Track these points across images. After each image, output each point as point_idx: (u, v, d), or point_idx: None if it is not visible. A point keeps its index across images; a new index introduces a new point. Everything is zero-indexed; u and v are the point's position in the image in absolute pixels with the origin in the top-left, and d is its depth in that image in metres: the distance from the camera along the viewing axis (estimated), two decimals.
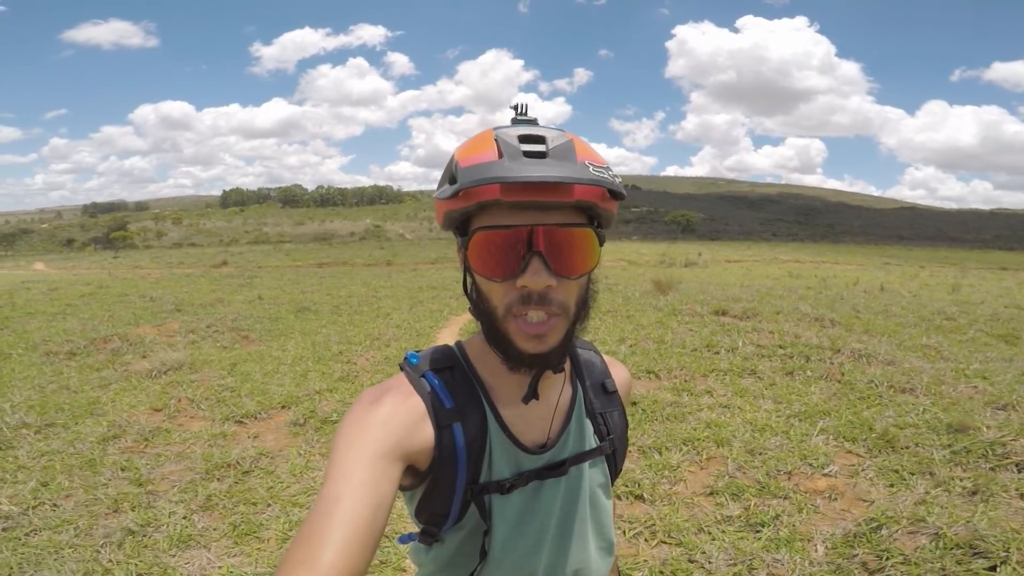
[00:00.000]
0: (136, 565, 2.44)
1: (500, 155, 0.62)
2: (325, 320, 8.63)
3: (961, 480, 2.87)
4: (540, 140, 0.63)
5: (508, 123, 0.69)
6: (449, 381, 0.74)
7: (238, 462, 3.43)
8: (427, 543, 0.78)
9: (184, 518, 2.82)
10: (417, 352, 0.78)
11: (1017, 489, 2.73)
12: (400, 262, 24.71)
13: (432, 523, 0.75)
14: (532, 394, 0.72)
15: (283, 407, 4.44)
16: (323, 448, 3.69)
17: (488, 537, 0.73)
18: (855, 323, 7.14)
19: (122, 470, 3.34)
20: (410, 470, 0.71)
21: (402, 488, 0.75)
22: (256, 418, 4.22)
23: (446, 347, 0.79)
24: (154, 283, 14.93)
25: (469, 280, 0.71)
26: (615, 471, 0.86)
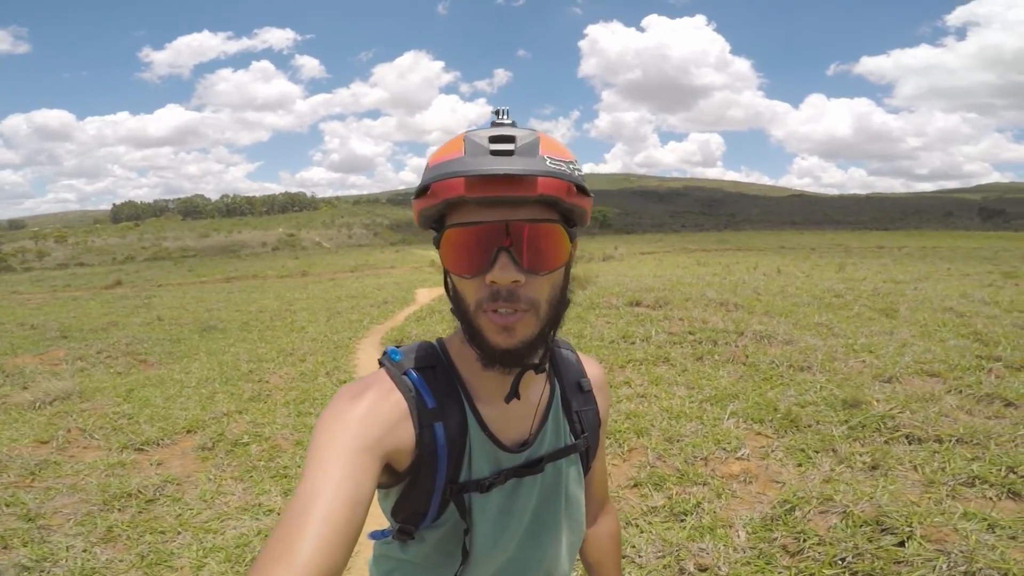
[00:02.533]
0: None
1: (464, 153, 0.63)
2: (233, 338, 8.19)
3: (861, 456, 3.06)
4: (510, 139, 0.64)
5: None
6: (431, 380, 0.74)
7: (140, 491, 3.22)
8: (403, 540, 0.77)
9: (84, 551, 2.65)
10: (398, 348, 0.77)
11: (911, 461, 2.94)
12: (316, 272, 23.81)
13: (409, 521, 0.75)
14: (514, 393, 0.72)
15: (188, 432, 4.18)
16: (235, 472, 3.50)
17: (469, 536, 0.74)
18: (756, 305, 7.56)
19: (7, 506, 3.07)
20: (387, 469, 0.71)
21: (378, 486, 0.73)
22: (158, 444, 3.95)
23: (428, 344, 0.79)
24: (35, 309, 13.52)
25: (449, 281, 0.72)
26: (587, 467, 0.88)
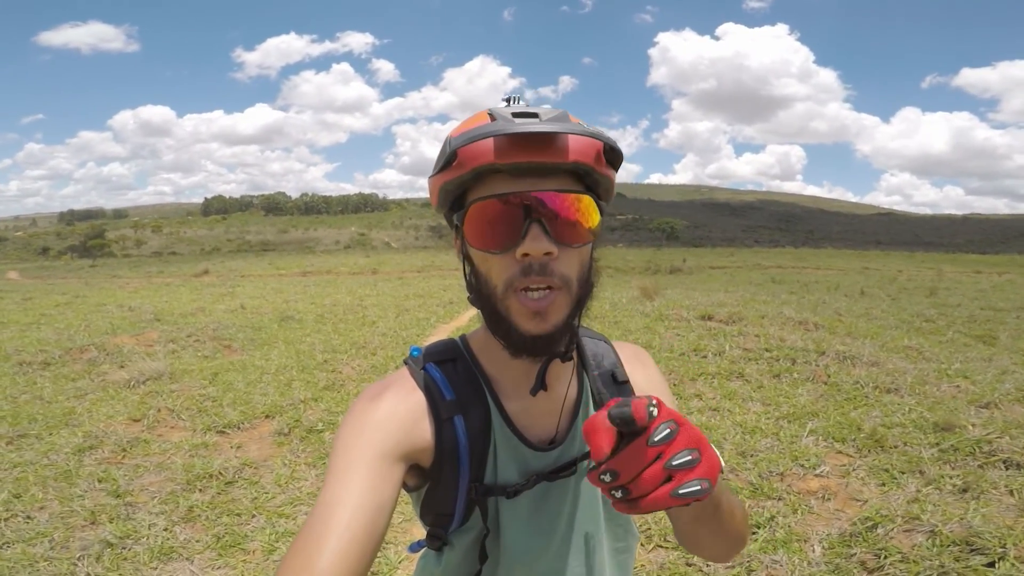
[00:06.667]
0: None
1: (493, 120, 0.61)
2: (309, 329, 8.52)
3: (951, 478, 2.89)
4: (532, 115, 0.62)
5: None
6: (451, 373, 0.71)
7: (221, 472, 3.35)
8: (435, 547, 0.75)
9: (165, 530, 2.74)
10: (420, 347, 0.76)
11: (1007, 486, 2.75)
12: (386, 270, 24.58)
13: (438, 524, 0.73)
14: (540, 384, 0.68)
15: (267, 417, 4.36)
16: (308, 458, 3.62)
17: (490, 540, 0.71)
18: (838, 326, 7.21)
19: (99, 481, 3.25)
20: (414, 469, 0.69)
21: (407, 488, 0.72)
22: (239, 428, 4.13)
23: (449, 339, 0.77)
24: (132, 292, 14.70)
25: (468, 267, 0.68)
26: None
